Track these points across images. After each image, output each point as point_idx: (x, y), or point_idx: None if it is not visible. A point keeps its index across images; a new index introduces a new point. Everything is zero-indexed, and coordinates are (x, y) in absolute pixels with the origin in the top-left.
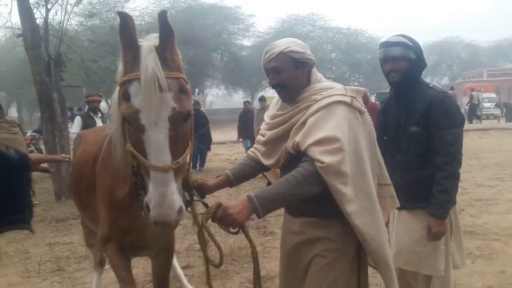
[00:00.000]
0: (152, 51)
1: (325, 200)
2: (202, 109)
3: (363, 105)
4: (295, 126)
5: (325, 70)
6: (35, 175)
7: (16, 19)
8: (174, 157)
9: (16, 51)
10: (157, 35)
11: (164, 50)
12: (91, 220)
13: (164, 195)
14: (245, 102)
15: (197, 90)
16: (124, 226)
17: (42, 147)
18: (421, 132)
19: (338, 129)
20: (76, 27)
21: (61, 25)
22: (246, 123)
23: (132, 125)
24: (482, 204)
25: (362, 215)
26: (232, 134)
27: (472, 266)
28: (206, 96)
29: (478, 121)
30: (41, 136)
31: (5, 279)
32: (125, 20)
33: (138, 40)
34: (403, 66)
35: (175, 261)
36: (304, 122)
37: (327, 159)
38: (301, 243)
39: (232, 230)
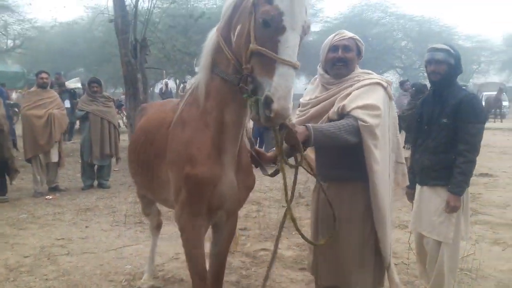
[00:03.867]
0: None
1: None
2: None
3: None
4: (340, 97)
5: (394, 59)
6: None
7: (102, 3)
8: None
9: (97, 31)
10: None
11: None
12: (155, 188)
13: (290, 89)
14: None
15: None
16: (201, 177)
17: (120, 121)
18: (450, 124)
19: (379, 101)
20: (158, 12)
21: (148, 12)
22: None
23: (271, 26)
24: None
25: (381, 175)
26: None
27: (502, 253)
28: None
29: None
30: (118, 111)
31: (98, 226)
32: None
33: None
34: (443, 69)
35: None
36: (349, 94)
37: (370, 120)
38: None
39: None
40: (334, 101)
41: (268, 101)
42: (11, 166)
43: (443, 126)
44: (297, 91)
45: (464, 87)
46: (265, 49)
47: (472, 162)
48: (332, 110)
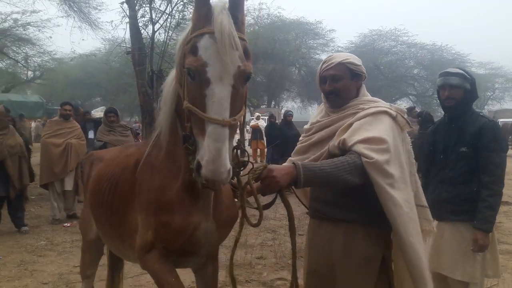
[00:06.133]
0: (224, 8)
1: (353, 204)
2: (277, 121)
3: (409, 123)
4: (341, 128)
5: (407, 86)
6: None
7: (120, 35)
8: (232, 114)
9: (113, 62)
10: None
11: (235, 10)
12: (121, 237)
13: (219, 151)
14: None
15: (273, 102)
16: (174, 227)
17: None
18: (469, 153)
19: (385, 133)
20: (174, 44)
21: (164, 44)
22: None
23: (195, 79)
24: None
25: (407, 222)
26: None
27: None
28: (282, 108)
29: None
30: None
31: None
32: None
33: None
34: (459, 94)
35: None
36: (350, 125)
37: (375, 156)
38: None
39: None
40: (335, 129)
41: (198, 167)
42: (24, 194)
43: (462, 155)
44: (309, 119)
45: (482, 114)
46: (194, 106)
47: (499, 195)
48: (332, 143)
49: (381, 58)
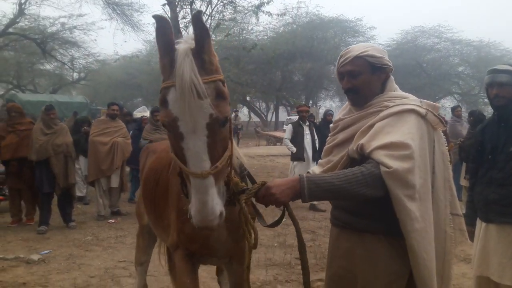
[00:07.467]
0: (188, 55)
1: (377, 215)
2: (316, 121)
3: (443, 121)
4: (361, 129)
5: (451, 84)
6: None
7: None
8: (213, 161)
9: (154, 63)
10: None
11: (201, 52)
12: (164, 229)
13: (204, 202)
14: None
15: (311, 101)
16: (189, 232)
17: None
18: None
19: (409, 136)
20: (212, 45)
21: None
22: None
23: (171, 132)
24: None
25: (422, 237)
26: None
27: None
28: (320, 107)
29: None
30: None
31: (158, 249)
32: (162, 24)
33: (176, 42)
34: (508, 92)
35: None
36: (371, 126)
37: (395, 164)
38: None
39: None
40: (357, 129)
41: (190, 215)
42: (71, 193)
43: None
44: None
45: None
46: (177, 157)
47: None
48: (351, 147)
49: (424, 56)
